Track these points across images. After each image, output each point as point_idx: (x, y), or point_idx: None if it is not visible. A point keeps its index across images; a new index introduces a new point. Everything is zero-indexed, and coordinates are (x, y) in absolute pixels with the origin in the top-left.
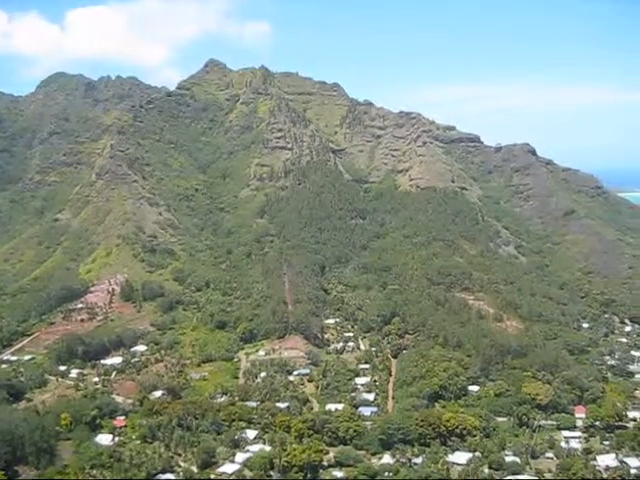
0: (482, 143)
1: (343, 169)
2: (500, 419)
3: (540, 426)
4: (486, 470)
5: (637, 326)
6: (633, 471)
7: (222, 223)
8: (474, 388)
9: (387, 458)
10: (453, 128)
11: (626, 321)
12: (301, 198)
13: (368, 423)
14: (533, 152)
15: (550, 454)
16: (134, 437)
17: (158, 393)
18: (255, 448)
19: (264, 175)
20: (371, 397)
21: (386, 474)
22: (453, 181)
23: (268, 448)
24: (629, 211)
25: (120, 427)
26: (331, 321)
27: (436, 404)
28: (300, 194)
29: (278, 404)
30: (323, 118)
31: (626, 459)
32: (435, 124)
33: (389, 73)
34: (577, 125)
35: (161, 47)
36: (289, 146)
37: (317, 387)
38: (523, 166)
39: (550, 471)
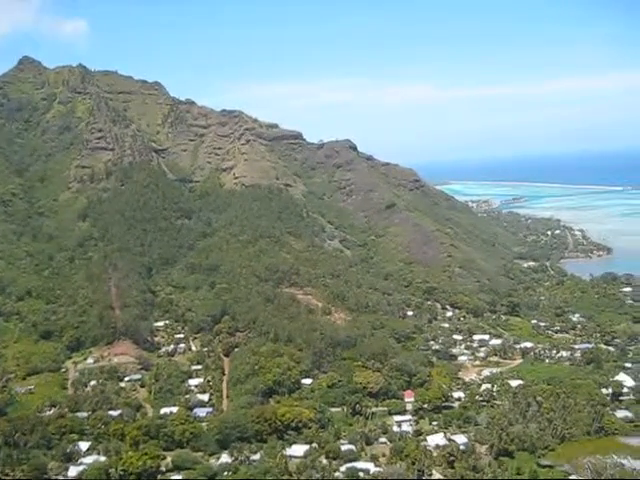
0: (305, 140)
1: (167, 169)
2: (334, 409)
3: (373, 413)
4: (324, 460)
5: (457, 311)
6: (461, 447)
7: (42, 228)
8: (307, 381)
9: (225, 457)
10: (276, 126)
11: (447, 307)
12: (124, 200)
13: (204, 424)
14: (354, 148)
15: (384, 439)
16: None
17: None
18: (89, 460)
19: (85, 177)
20: (205, 398)
21: (225, 474)
22: (277, 178)
23: (103, 458)
24: (446, 203)
25: None
26: (160, 324)
27: (271, 400)
28: (123, 196)
29: (110, 412)
30: (144, 117)
31: (454, 437)
32: (258, 122)
33: (210, 72)
34: (399, 122)
35: None
36: (110, 147)
37: (150, 392)
38: (345, 162)
39: (384, 455)
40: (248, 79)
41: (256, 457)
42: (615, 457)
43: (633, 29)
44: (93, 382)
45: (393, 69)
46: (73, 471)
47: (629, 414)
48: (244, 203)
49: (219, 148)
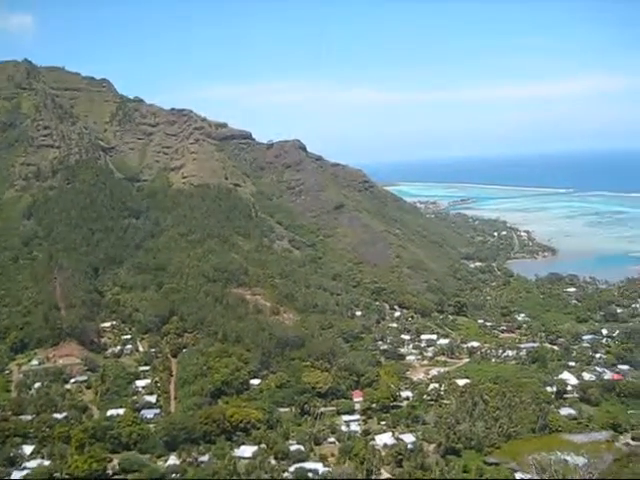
0: (254, 140)
1: (114, 168)
2: (283, 410)
3: (321, 413)
4: (272, 461)
5: (405, 311)
6: (409, 446)
7: None
8: (256, 381)
9: (173, 459)
10: (225, 125)
11: (395, 307)
12: (70, 198)
13: (151, 426)
14: (304, 148)
15: (332, 439)
16: None
17: None
18: (33, 464)
19: (30, 175)
20: (153, 399)
21: (173, 475)
22: (227, 178)
23: (47, 462)
24: (395, 203)
25: None
26: (107, 324)
27: (219, 400)
28: (69, 194)
29: (55, 415)
30: (92, 115)
31: (402, 436)
32: (207, 121)
33: (160, 70)
34: (347, 123)
35: None
36: (56, 144)
37: (96, 393)
38: (294, 162)
39: (333, 455)
40: (198, 78)
41: (204, 459)
42: (559, 454)
43: (564, 40)
44: (38, 384)
45: (340, 72)
46: (16, 475)
47: (572, 412)
48: (192, 203)
49: (168, 147)
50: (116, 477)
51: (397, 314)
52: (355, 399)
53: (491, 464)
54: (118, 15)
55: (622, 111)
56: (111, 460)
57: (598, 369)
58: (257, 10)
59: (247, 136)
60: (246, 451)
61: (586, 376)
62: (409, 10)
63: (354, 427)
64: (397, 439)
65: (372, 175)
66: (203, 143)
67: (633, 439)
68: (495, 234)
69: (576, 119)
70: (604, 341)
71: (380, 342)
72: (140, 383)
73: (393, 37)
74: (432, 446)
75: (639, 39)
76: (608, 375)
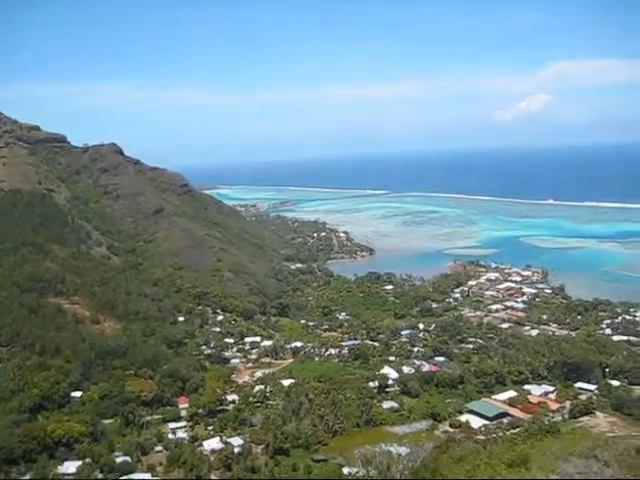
0: (69, 143)
1: None
2: (107, 421)
3: (147, 422)
4: (99, 475)
5: (228, 314)
6: (237, 449)
7: None
8: (77, 394)
9: None
10: (38, 128)
11: (218, 311)
12: None
13: None
14: (121, 152)
15: (160, 447)
16: None
17: None
18: None
19: None
20: None
21: None
22: (40, 183)
23: None
24: (215, 207)
25: None
26: None
27: (39, 416)
28: None
29: None
30: None
31: (230, 439)
32: (18, 124)
33: None
34: (172, 126)
35: None
36: None
37: None
38: (111, 166)
39: (162, 464)
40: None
41: (26, 478)
42: (383, 445)
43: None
44: None
45: (167, 72)
46: None
47: (395, 404)
48: (3, 209)
49: None
50: None
51: (220, 318)
52: (181, 405)
53: (319, 461)
54: None
55: (436, 115)
56: None
57: (416, 362)
58: (73, 8)
59: (62, 139)
60: (70, 467)
61: (406, 369)
62: (237, 9)
63: (181, 434)
64: (225, 443)
65: (198, 178)
66: (14, 147)
67: (451, 426)
68: (315, 235)
69: (395, 122)
70: (421, 335)
71: (204, 347)
72: None
73: (219, 37)
74: (260, 447)
75: (451, 51)
76: (426, 367)
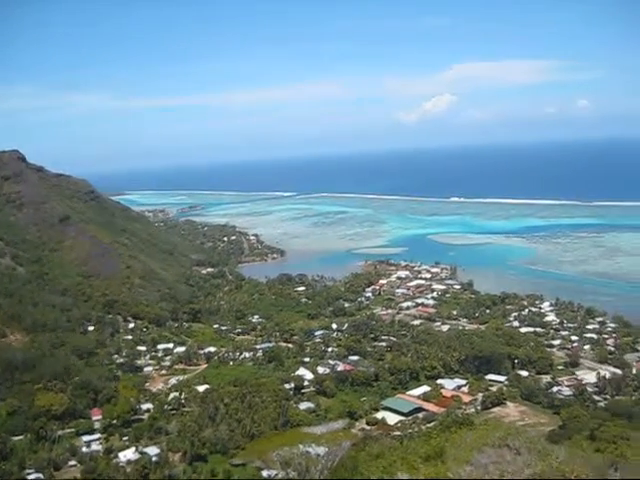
0: None
1: None
2: (17, 438)
3: (59, 436)
4: None
5: (140, 322)
6: (154, 459)
7: None
8: None
9: None
10: None
11: (129, 319)
12: None
13: None
14: (23, 159)
15: (73, 462)
16: None
17: None
18: None
19: None
20: None
21: None
22: None
23: None
24: (123, 213)
25: None
26: None
27: None
28: None
29: None
30: None
31: (146, 449)
32: None
33: None
34: (78, 131)
35: None
36: None
37: None
38: (14, 173)
39: (76, 478)
40: None
41: None
42: (301, 446)
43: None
44: None
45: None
46: None
47: (311, 405)
48: None
49: None
50: None
51: (131, 326)
52: (94, 417)
53: (237, 465)
54: None
55: (341, 118)
56: None
57: (331, 362)
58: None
59: None
60: None
61: (320, 370)
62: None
63: (95, 446)
64: (141, 453)
65: (105, 184)
66: None
67: (367, 424)
68: (225, 239)
69: (301, 125)
70: (335, 335)
71: (116, 356)
72: None
73: (125, 41)
74: (178, 455)
75: (355, 52)
76: (341, 367)
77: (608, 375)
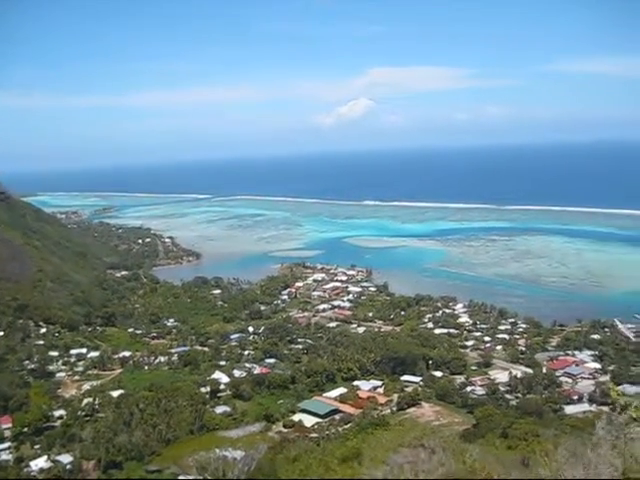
0: None
1: None
2: None
3: None
4: None
5: (52, 326)
6: (67, 467)
7: None
8: None
9: None
10: None
11: (41, 323)
12: None
13: None
14: None
15: None
16: None
17: None
18: None
19: None
20: None
21: None
22: None
23: None
24: (34, 215)
25: None
26: None
27: None
28: None
29: None
30: None
31: (58, 457)
32: None
33: None
34: None
35: None
36: None
37: None
38: None
39: None
40: None
41: None
42: (217, 451)
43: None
44: None
45: None
46: None
47: (227, 409)
48: None
49: None
50: None
51: (43, 330)
52: (4, 425)
53: (153, 471)
54: None
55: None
56: None
57: (247, 365)
58: None
59: None
60: None
61: (237, 373)
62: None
63: (5, 456)
64: (53, 461)
65: (15, 184)
66: None
67: (284, 426)
68: (140, 241)
69: (216, 127)
70: (251, 338)
71: (27, 361)
72: None
73: (49, 34)
74: (92, 463)
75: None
76: (257, 370)
77: (519, 374)
